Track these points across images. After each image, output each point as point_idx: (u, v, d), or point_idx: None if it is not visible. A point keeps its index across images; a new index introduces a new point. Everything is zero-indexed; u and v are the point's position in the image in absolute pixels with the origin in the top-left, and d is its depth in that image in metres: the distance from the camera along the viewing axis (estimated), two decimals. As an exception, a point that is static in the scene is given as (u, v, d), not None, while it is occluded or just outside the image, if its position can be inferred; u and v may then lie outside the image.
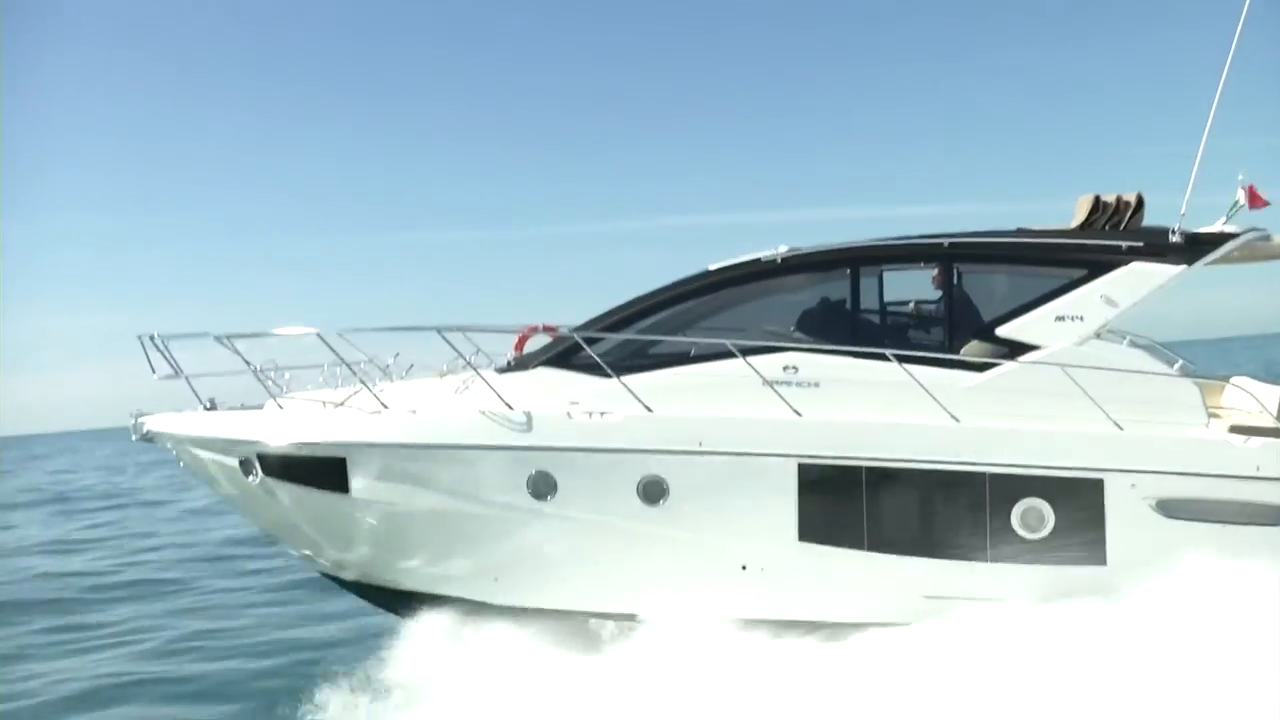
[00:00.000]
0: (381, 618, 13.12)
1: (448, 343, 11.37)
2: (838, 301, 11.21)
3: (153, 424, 12.25)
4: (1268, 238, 11.03)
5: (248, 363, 11.62)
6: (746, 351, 10.66)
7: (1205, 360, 12.04)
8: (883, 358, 10.54)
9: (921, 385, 10.37)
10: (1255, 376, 12.30)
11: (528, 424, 10.73)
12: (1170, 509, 10.01)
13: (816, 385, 10.64)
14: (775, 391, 10.54)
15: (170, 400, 12.04)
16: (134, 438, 12.45)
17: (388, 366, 12.60)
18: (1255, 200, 11.00)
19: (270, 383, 11.77)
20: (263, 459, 11.46)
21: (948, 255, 11.02)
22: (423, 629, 11.41)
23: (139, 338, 11.63)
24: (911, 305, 11.64)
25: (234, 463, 11.69)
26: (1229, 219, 11.07)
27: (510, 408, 10.76)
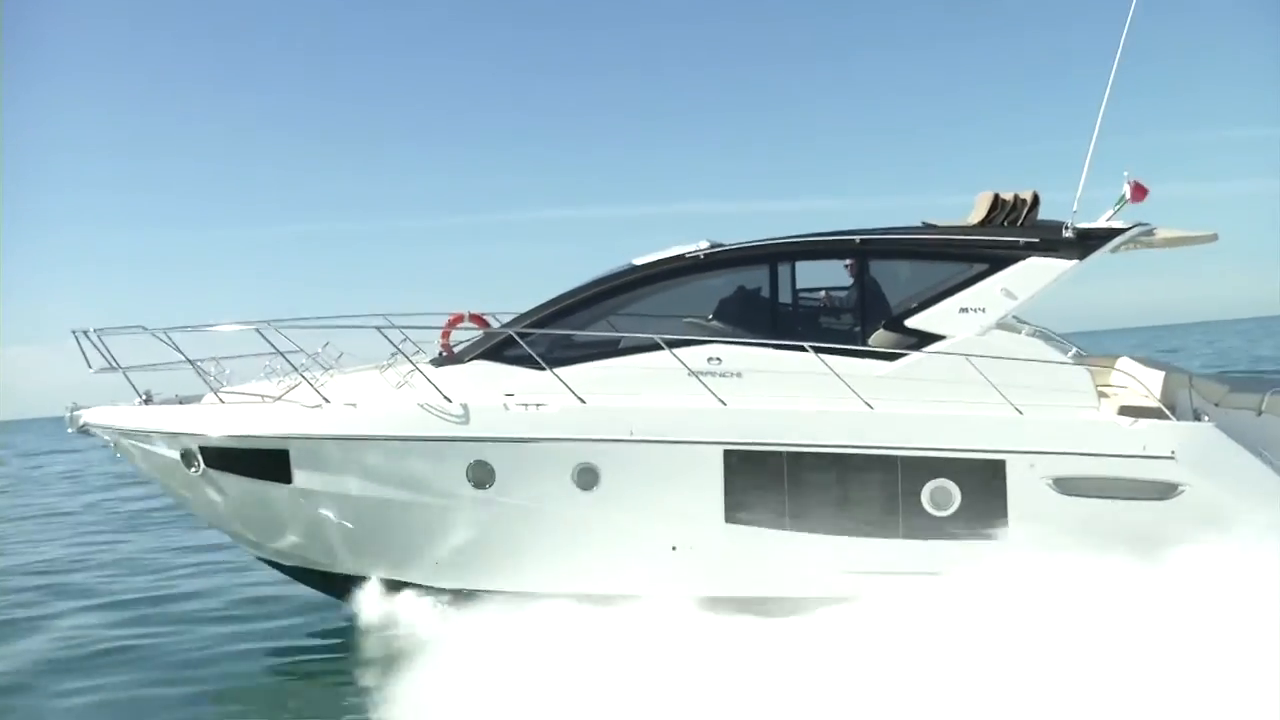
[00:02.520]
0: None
1: (386, 339, 11.77)
2: (757, 295, 11.83)
3: (90, 417, 12.42)
4: (1151, 232, 11.83)
5: (186, 357, 11.89)
6: (673, 344, 11.26)
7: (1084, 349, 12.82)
8: (801, 349, 11.21)
9: (837, 375, 11.06)
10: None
11: (466, 416, 11.22)
12: (1066, 486, 10.84)
13: (739, 375, 11.28)
14: (701, 382, 11.16)
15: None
16: (70, 430, 12.61)
17: (316, 355, 12.86)
18: (1138, 193, 11.80)
19: (210, 376, 12.04)
20: (205, 451, 11.77)
21: (860, 251, 11.70)
22: (370, 612, 11.87)
23: (73, 332, 11.84)
24: (824, 294, 12.31)
25: (175, 455, 11.98)
26: (1115, 213, 11.88)
27: (449, 400, 11.24)
